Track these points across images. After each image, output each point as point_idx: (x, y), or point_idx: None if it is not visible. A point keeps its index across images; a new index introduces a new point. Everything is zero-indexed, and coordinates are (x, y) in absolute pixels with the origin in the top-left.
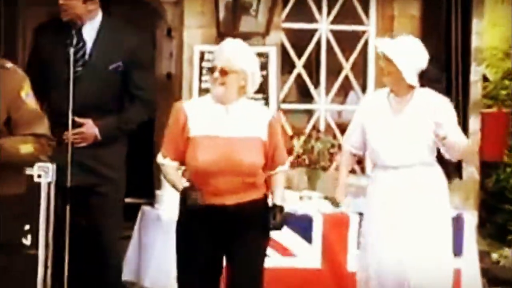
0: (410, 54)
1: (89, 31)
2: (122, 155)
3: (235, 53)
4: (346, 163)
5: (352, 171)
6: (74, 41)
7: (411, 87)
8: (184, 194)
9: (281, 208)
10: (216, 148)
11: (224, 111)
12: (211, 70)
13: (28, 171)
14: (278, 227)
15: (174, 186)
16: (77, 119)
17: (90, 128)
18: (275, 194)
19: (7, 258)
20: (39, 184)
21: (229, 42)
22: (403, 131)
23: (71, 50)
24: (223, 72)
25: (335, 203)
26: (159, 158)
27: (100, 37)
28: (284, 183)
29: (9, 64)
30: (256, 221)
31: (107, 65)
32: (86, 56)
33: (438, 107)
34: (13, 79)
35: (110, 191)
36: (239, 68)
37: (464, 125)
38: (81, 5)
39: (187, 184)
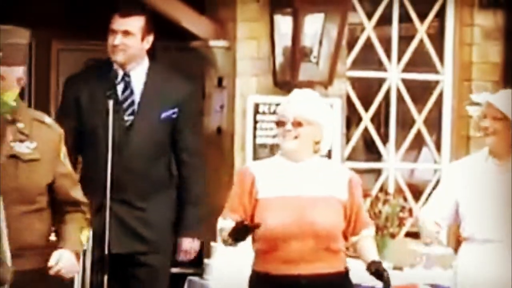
0: None
1: (137, 77)
2: (169, 219)
3: (311, 103)
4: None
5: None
6: (120, 89)
7: None
8: None
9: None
10: (288, 209)
11: (296, 168)
12: (280, 123)
13: None
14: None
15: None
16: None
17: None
18: (368, 255)
19: None
20: None
21: (301, 91)
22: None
23: (111, 103)
24: (297, 124)
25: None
26: (219, 223)
27: (150, 83)
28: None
29: (47, 119)
30: None
31: (160, 113)
32: (135, 105)
33: None
34: (54, 137)
35: (157, 261)
36: (315, 120)
37: None
38: (139, 43)
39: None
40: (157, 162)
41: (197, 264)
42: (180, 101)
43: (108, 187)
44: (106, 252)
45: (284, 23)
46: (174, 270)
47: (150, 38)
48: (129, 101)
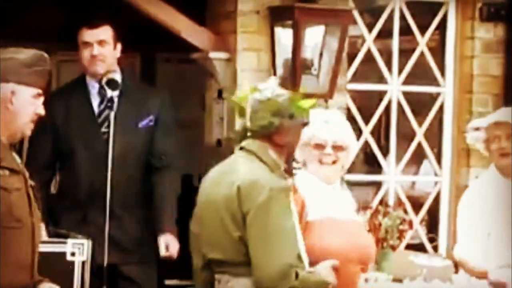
0: None
1: (112, 87)
2: (150, 229)
3: (347, 126)
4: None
5: (424, 250)
6: (96, 101)
7: None
8: None
9: None
10: (341, 232)
11: (331, 191)
12: (318, 146)
13: (61, 249)
14: None
15: None
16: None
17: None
18: None
19: None
20: (72, 263)
21: (333, 112)
22: None
23: (112, 114)
24: (337, 148)
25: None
26: None
27: (124, 94)
28: None
29: None
30: None
31: (136, 123)
32: (112, 114)
33: None
34: None
35: (140, 272)
36: (351, 145)
37: None
38: (113, 52)
39: None
40: (138, 172)
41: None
42: (155, 108)
43: (108, 196)
44: (105, 263)
45: (284, 35)
46: (171, 282)
47: (119, 46)
48: (105, 113)
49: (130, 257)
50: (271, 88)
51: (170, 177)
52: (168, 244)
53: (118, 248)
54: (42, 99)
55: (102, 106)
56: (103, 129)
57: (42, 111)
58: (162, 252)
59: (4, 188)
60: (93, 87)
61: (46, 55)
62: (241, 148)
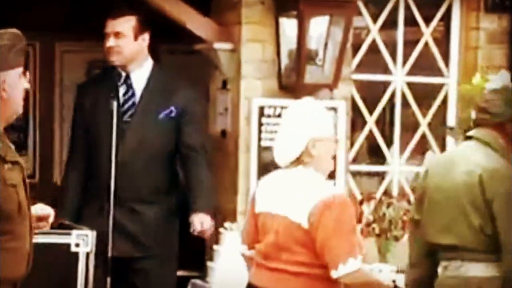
0: None
1: (139, 79)
2: (168, 223)
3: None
4: None
5: None
6: (122, 91)
7: None
8: None
9: None
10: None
11: None
12: (336, 141)
13: (65, 240)
14: None
15: None
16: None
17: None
18: None
19: None
20: (76, 254)
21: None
22: None
23: (115, 104)
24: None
25: None
26: None
27: (151, 85)
28: None
29: None
30: None
31: (158, 113)
32: (135, 106)
33: None
34: None
35: (154, 266)
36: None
37: None
38: (133, 43)
39: None
40: (156, 163)
41: (200, 267)
42: (182, 101)
43: (112, 189)
44: (110, 254)
45: (289, 25)
46: (177, 273)
47: (146, 36)
48: (129, 102)
49: (148, 251)
50: (503, 78)
51: (204, 163)
52: (202, 222)
53: (135, 242)
54: (27, 75)
55: (127, 96)
56: (126, 118)
57: (27, 85)
58: (197, 227)
59: (13, 185)
60: (122, 76)
61: (19, 32)
62: (469, 137)
